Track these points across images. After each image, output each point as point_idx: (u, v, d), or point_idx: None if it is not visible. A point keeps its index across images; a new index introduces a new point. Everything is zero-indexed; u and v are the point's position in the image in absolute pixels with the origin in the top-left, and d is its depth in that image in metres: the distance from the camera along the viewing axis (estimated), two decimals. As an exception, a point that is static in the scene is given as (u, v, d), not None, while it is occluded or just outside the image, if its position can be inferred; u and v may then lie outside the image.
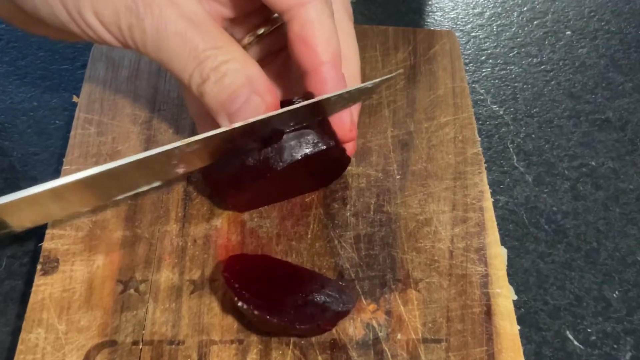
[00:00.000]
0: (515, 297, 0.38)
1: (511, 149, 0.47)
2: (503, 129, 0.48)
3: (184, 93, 0.41)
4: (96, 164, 0.41)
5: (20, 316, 0.36)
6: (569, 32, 0.56)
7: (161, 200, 0.40)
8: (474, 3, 0.58)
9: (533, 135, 0.48)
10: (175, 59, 0.34)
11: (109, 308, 0.35)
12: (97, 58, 0.47)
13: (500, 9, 0.57)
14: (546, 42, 0.55)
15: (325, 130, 0.37)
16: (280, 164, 0.36)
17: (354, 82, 0.38)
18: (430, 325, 0.35)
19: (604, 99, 0.50)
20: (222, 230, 0.39)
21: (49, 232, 0.38)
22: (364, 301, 0.36)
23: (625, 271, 0.41)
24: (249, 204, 0.39)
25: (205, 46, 0.34)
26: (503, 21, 0.56)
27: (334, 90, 0.36)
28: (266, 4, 0.36)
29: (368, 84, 0.38)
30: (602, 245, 0.42)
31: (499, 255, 0.38)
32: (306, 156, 0.36)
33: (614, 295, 0.40)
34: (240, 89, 0.34)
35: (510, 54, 0.54)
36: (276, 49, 0.40)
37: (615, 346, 0.37)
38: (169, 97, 0.45)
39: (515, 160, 0.46)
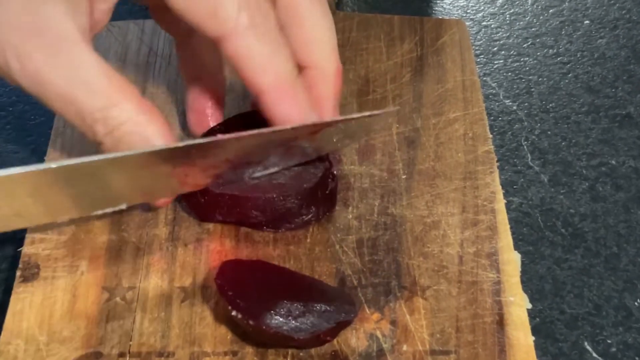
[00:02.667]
0: (530, 306, 0.38)
1: (525, 147, 0.47)
2: (516, 126, 0.48)
3: (177, 51, 0.41)
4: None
5: (-2, 326, 0.36)
6: (587, 21, 0.56)
7: (149, 201, 0.40)
8: (485, -10, 0.58)
9: (549, 132, 0.48)
10: (65, 114, 0.33)
11: (93, 317, 0.35)
12: (80, 49, 0.47)
13: (513, -4, 0.57)
14: (563, 32, 0.55)
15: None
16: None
17: (329, 62, 0.38)
18: (438, 335, 0.35)
19: (625, 93, 0.50)
20: (215, 234, 0.39)
21: (28, 235, 0.38)
22: (367, 310, 0.36)
23: (647, 278, 0.41)
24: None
25: (92, 107, 0.32)
26: (516, 9, 0.56)
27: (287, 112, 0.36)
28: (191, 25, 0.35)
29: (355, 115, 0.38)
30: (622, 250, 0.42)
31: (512, 261, 0.38)
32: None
33: (636, 304, 0.40)
34: None
35: (525, 45, 0.54)
36: None
37: (636, 358, 0.37)
38: (158, 90, 0.45)
39: (529, 159, 0.46)
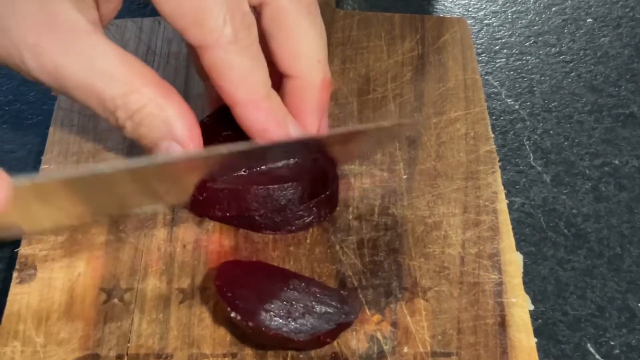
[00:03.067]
0: (532, 307, 0.38)
1: (527, 147, 0.47)
2: (519, 125, 0.48)
3: (190, 54, 0.41)
4: (77, 162, 0.41)
5: (-5, 328, 0.36)
6: (590, 20, 0.56)
7: (148, 202, 0.40)
8: (487, -12, 0.58)
9: (551, 132, 0.48)
10: (86, 103, 0.34)
11: (91, 319, 0.35)
12: (78, 48, 0.47)
13: (515, -6, 0.57)
14: (565, 31, 0.55)
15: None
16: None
17: (315, 73, 0.38)
18: (439, 337, 0.35)
19: (628, 92, 0.50)
20: (214, 234, 0.39)
21: (25, 236, 0.38)
22: (367, 311, 0.36)
23: (651, 279, 0.41)
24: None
25: (112, 94, 0.33)
26: (519, 8, 0.56)
27: (259, 127, 0.36)
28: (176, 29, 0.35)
29: (380, 124, 0.39)
30: (626, 251, 0.42)
31: (514, 262, 0.38)
32: None
33: (639, 305, 0.40)
34: (158, 139, 0.35)
35: (527, 44, 0.54)
36: None
37: (640, 360, 0.37)
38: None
39: (531, 159, 0.46)
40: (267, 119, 0.36)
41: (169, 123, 0.35)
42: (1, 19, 0.33)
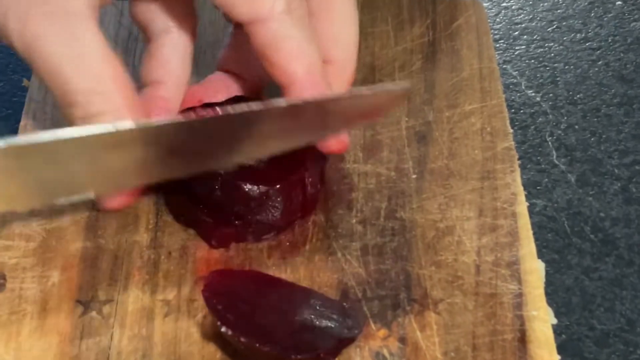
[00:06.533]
0: (555, 321, 0.38)
1: (550, 143, 0.47)
2: (540, 119, 0.48)
3: (146, 50, 0.41)
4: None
5: (-40, 344, 0.36)
6: (619, 2, 0.56)
7: (129, 204, 0.40)
8: (505, -33, 0.58)
9: (576, 127, 0.48)
10: (49, 84, 0.34)
11: (66, 334, 0.35)
12: (52, 33, 0.47)
13: (536, -26, 0.57)
14: (592, 14, 0.55)
15: None
16: None
17: (350, 60, 0.39)
18: (452, 354, 0.35)
19: (662, 83, 0.50)
20: (203, 240, 0.39)
21: (-6, 242, 0.38)
22: (372, 326, 0.36)
23: (687, 290, 0.41)
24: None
25: (77, 87, 0.33)
26: (540, -11, 0.56)
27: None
28: (221, 10, 0.36)
29: (364, 90, 0.39)
30: (659, 259, 0.42)
31: (535, 271, 0.38)
32: None
33: (674, 318, 0.40)
34: None
35: (549, 29, 0.54)
36: None
37: (675, 380, 0.37)
38: (137, 81, 0.45)
39: (554, 157, 0.46)
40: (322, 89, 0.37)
41: None
42: None
